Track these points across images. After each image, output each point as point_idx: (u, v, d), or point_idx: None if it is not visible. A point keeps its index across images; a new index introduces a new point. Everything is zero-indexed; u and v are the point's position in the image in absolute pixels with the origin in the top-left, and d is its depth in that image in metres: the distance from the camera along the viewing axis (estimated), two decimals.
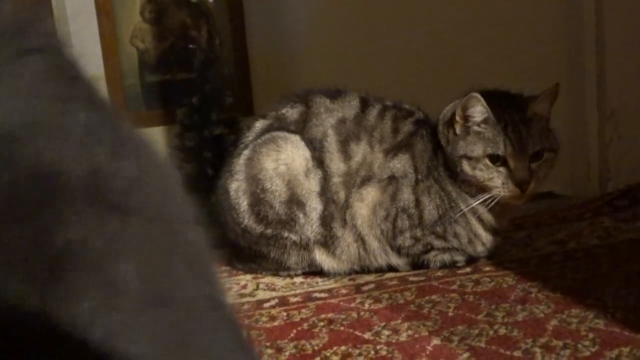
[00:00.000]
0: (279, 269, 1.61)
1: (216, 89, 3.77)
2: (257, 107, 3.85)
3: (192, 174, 3.63)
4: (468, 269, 1.54)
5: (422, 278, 1.52)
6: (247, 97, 3.99)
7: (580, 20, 2.11)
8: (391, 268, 1.57)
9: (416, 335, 1.22)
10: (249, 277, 1.65)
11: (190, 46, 4.04)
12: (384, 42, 3.60)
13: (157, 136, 3.94)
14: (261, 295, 1.52)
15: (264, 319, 1.38)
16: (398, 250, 1.55)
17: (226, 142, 3.57)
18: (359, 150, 1.54)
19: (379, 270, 1.57)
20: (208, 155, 3.60)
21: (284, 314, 1.40)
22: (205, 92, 3.71)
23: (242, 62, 4.02)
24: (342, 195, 1.53)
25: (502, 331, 1.20)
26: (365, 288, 1.49)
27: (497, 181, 1.46)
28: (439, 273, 1.54)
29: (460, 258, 1.56)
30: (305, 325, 1.32)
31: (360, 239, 1.54)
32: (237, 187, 1.58)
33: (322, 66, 3.70)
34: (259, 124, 1.63)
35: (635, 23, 2.06)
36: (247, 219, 1.57)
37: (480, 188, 1.48)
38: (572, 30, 2.17)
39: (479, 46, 3.20)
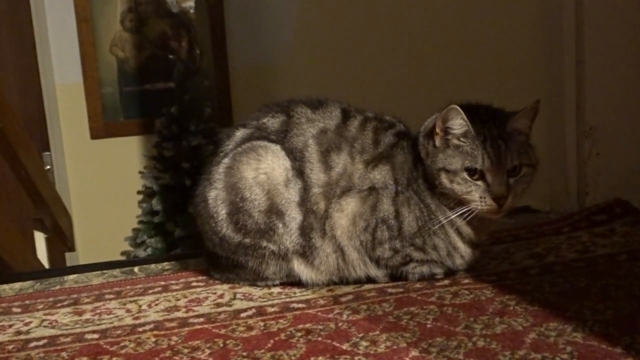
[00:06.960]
0: (256, 279, 1.60)
1: (195, 100, 3.76)
2: (236, 118, 3.85)
3: (170, 184, 3.61)
4: (446, 282, 1.54)
5: (401, 290, 1.51)
6: (227, 108, 3.98)
7: (559, 38, 2.14)
8: (370, 279, 1.56)
9: (394, 347, 1.21)
10: (226, 286, 1.63)
11: (171, 56, 4.03)
12: (364, 56, 3.63)
13: (134, 145, 3.92)
14: (238, 305, 1.51)
15: (241, 328, 1.37)
16: (377, 262, 1.54)
17: (204, 152, 3.56)
18: (340, 161, 1.53)
19: (358, 282, 1.56)
20: (186, 166, 3.59)
21: (261, 324, 1.38)
22: (184, 102, 3.71)
23: (222, 73, 4.02)
24: (322, 205, 1.52)
25: (481, 343, 1.19)
26: (343, 299, 1.49)
27: (475, 195, 1.45)
28: (418, 285, 1.53)
29: (439, 270, 1.56)
30: (282, 336, 1.31)
31: (340, 250, 1.53)
32: (215, 196, 1.57)
33: (302, 79, 3.72)
34: (240, 133, 1.62)
35: (614, 41, 2.09)
36: (226, 228, 1.56)
37: (458, 201, 1.48)
38: (552, 48, 2.20)
39: (459, 62, 3.24)
